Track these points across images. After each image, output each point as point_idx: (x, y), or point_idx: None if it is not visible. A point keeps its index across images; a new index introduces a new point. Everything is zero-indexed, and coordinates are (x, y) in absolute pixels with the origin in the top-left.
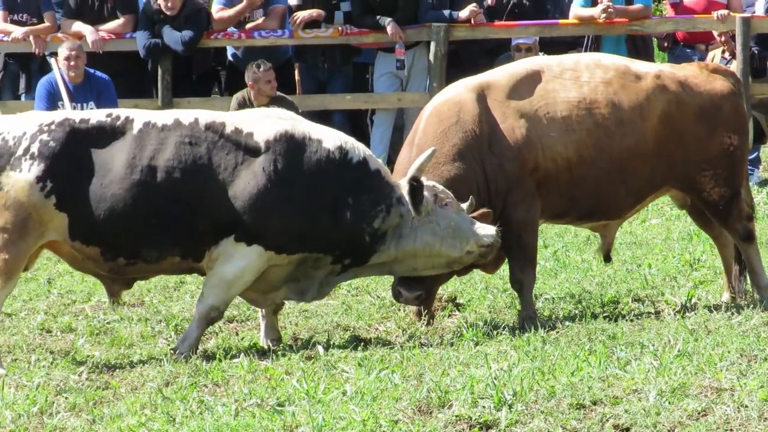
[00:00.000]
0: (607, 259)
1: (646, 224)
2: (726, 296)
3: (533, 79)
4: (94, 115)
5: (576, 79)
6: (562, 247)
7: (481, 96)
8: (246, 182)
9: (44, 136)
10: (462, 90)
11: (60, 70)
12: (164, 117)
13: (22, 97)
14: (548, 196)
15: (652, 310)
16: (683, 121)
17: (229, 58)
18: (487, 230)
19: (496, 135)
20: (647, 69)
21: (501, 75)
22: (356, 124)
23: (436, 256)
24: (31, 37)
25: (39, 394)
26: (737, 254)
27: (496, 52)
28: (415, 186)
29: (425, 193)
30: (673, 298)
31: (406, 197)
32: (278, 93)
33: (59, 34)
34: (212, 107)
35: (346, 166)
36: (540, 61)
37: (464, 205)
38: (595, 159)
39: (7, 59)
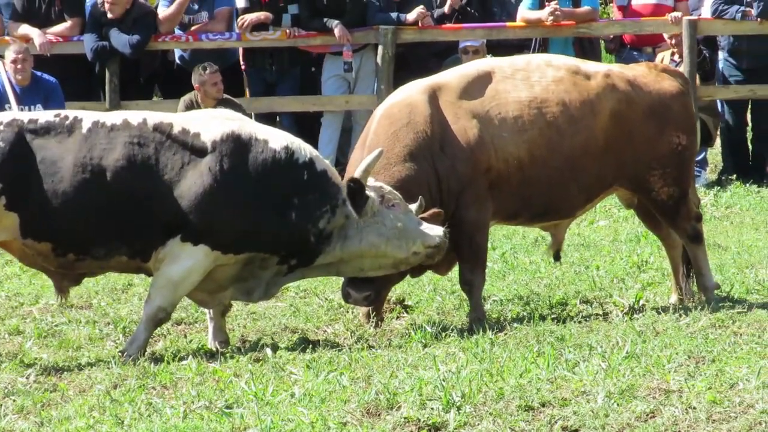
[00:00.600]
0: (557, 258)
1: (594, 226)
2: (674, 298)
3: (484, 79)
4: (43, 116)
5: (527, 79)
6: (510, 249)
7: (433, 97)
8: (192, 182)
9: None
10: (413, 91)
11: (7, 73)
12: (113, 117)
13: None
14: (500, 196)
15: (601, 312)
16: (633, 120)
17: (177, 60)
18: (434, 231)
19: (448, 136)
20: (597, 68)
21: (452, 76)
22: (305, 126)
23: (382, 257)
24: None
25: None
26: (685, 255)
27: (444, 54)
28: (353, 188)
29: (372, 193)
30: (621, 299)
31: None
32: (225, 96)
33: (6, 37)
34: (160, 110)
35: (292, 167)
36: (492, 62)
37: (414, 206)
38: (547, 158)
39: None
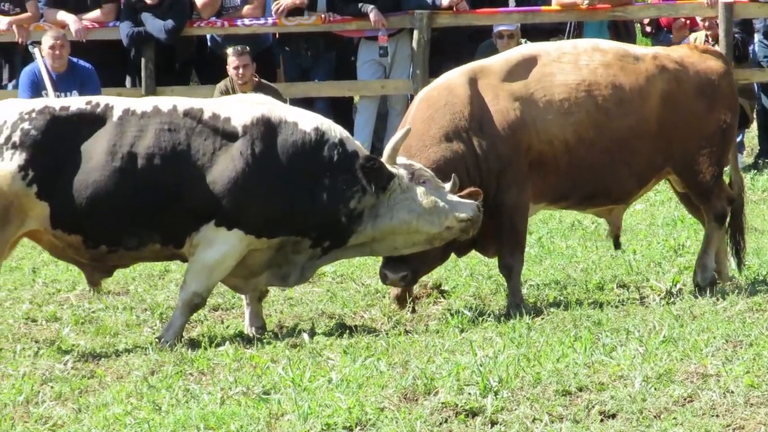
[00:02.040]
0: (617, 245)
1: (630, 210)
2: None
3: (529, 63)
4: (75, 103)
5: (574, 63)
6: (547, 234)
7: (473, 80)
8: (224, 167)
9: (25, 125)
10: (454, 75)
11: (43, 60)
12: (144, 104)
13: (8, 87)
14: (548, 178)
15: (638, 296)
16: (683, 100)
17: (209, 44)
18: (466, 204)
19: (487, 116)
20: (644, 51)
21: (496, 60)
22: (340, 111)
23: (414, 233)
24: (14, 27)
25: (24, 383)
26: (732, 233)
27: (479, 38)
28: (367, 167)
29: (401, 170)
30: (658, 284)
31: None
32: (261, 80)
33: (42, 24)
34: (195, 96)
35: (322, 148)
36: (538, 47)
37: (447, 185)
38: (595, 141)
39: None
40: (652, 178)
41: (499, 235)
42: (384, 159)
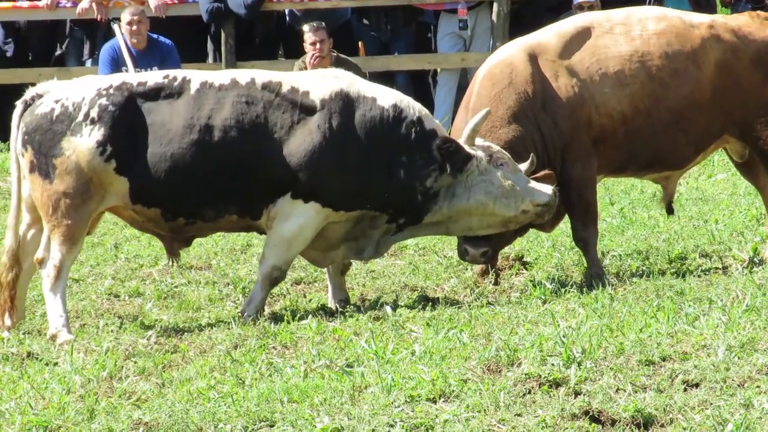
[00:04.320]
0: (670, 210)
1: (712, 180)
2: None
3: (583, 36)
4: (152, 77)
5: (627, 33)
6: (629, 204)
7: (533, 57)
8: (301, 140)
9: (103, 101)
10: (514, 51)
11: (123, 36)
12: (221, 77)
13: (87, 63)
14: (606, 150)
15: (720, 266)
16: (739, 69)
17: (287, 19)
18: (543, 189)
19: (548, 94)
20: (701, 19)
21: (551, 35)
22: (419, 85)
23: (490, 215)
24: (93, 4)
25: (108, 358)
26: None
27: (559, 9)
28: (443, 148)
29: (479, 152)
30: (740, 253)
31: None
32: (341, 55)
33: (122, 0)
34: (277, 71)
35: (400, 124)
36: (589, 17)
37: (525, 165)
38: (651, 110)
39: (72, 26)
40: (709, 145)
41: (569, 209)
42: (462, 141)
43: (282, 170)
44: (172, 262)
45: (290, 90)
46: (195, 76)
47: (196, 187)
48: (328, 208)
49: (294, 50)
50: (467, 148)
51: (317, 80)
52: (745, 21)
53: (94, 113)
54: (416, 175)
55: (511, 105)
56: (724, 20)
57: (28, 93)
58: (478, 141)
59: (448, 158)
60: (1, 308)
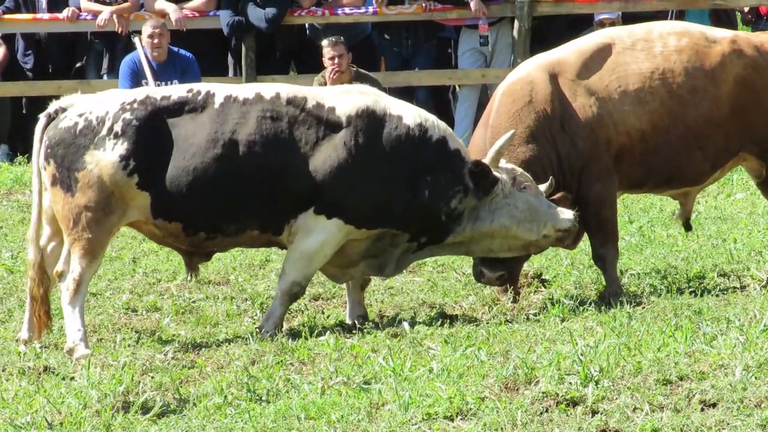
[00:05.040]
0: (687, 227)
1: (731, 199)
2: None
3: (603, 53)
4: (176, 91)
5: (648, 50)
6: (648, 222)
7: (553, 75)
8: (326, 156)
9: (127, 115)
10: (533, 69)
11: (143, 49)
12: (246, 91)
13: (105, 77)
14: (624, 167)
15: (738, 285)
16: (760, 86)
17: (307, 32)
18: (565, 214)
19: (567, 113)
20: (723, 35)
21: (570, 52)
22: (440, 101)
23: (512, 239)
24: (114, 16)
25: (125, 373)
26: None
27: (580, 26)
28: (476, 171)
29: (503, 175)
30: (759, 272)
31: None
32: (361, 70)
33: (142, 13)
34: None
35: (425, 144)
36: (610, 32)
37: (544, 186)
38: (669, 127)
39: (92, 38)
40: (727, 162)
41: (588, 227)
42: (487, 162)
43: (306, 186)
44: (191, 276)
45: (315, 105)
46: (219, 90)
47: (219, 202)
48: (351, 225)
49: (314, 64)
50: (493, 171)
51: (342, 96)
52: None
53: (117, 127)
54: (441, 196)
55: (530, 124)
56: (747, 36)
57: (52, 106)
58: (501, 163)
59: (478, 181)
60: (38, 323)
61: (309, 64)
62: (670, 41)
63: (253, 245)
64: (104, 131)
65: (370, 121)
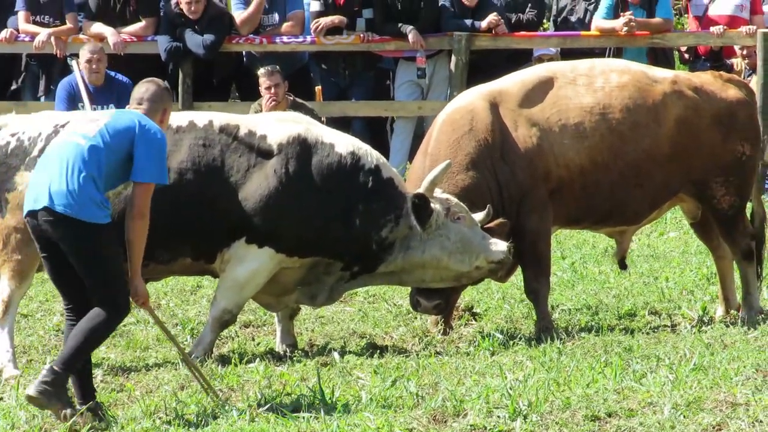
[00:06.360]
0: (623, 266)
1: (663, 237)
2: (720, 311)
3: (545, 86)
4: None
5: (590, 85)
6: (580, 259)
7: (494, 104)
8: (257, 184)
9: None
10: (475, 98)
11: (81, 72)
12: (179, 119)
13: (42, 99)
14: (562, 202)
15: (669, 324)
16: (699, 127)
17: (244, 60)
18: (498, 246)
19: (507, 143)
20: (664, 74)
21: (513, 82)
22: (376, 132)
23: (444, 270)
24: (52, 39)
25: None
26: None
27: (517, 61)
28: (417, 203)
29: (437, 206)
30: (690, 311)
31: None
32: (297, 99)
33: (81, 36)
34: (232, 113)
35: (357, 172)
36: (553, 67)
37: (481, 215)
38: (609, 164)
39: (29, 60)
40: (665, 202)
41: (522, 260)
42: (422, 191)
43: (237, 214)
44: None
45: (247, 133)
46: None
47: (152, 229)
48: (282, 253)
49: (252, 92)
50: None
51: (275, 124)
52: (708, 79)
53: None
54: (372, 225)
55: (470, 152)
56: (688, 77)
57: None
58: (436, 193)
59: (419, 213)
60: None
61: (247, 92)
62: (612, 78)
63: (186, 273)
64: (35, 152)
65: (302, 149)
